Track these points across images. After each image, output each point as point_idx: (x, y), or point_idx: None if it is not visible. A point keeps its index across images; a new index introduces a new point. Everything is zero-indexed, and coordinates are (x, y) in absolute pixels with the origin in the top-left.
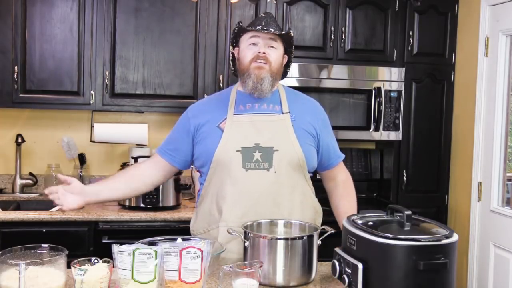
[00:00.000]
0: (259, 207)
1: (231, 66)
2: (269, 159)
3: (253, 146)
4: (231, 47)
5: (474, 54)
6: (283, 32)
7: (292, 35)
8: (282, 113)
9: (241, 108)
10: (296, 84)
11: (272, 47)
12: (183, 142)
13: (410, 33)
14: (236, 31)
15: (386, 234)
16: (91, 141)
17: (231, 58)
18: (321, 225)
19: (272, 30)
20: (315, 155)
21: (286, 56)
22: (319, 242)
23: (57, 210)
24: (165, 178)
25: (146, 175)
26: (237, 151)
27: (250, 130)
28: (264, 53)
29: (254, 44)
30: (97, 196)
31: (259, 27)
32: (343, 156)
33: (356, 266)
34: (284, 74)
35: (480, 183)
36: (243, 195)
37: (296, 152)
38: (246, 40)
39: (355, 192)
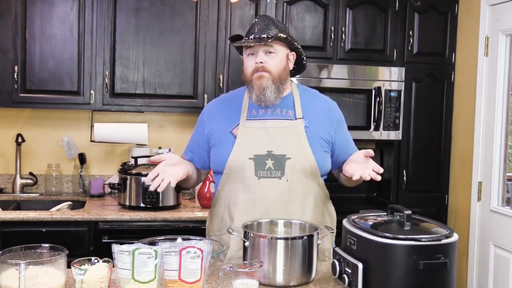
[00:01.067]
0: (270, 215)
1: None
2: (282, 167)
3: (265, 154)
4: (241, 56)
5: (474, 54)
6: (270, 40)
7: (284, 36)
8: (296, 119)
9: (254, 113)
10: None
11: (271, 52)
12: (201, 144)
13: (410, 33)
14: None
15: (386, 234)
16: (91, 140)
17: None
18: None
19: (265, 35)
20: (328, 159)
21: (293, 53)
22: (320, 242)
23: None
24: (199, 176)
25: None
26: (249, 158)
27: (263, 137)
28: (261, 62)
29: (252, 54)
30: (191, 166)
31: (252, 36)
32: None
33: (356, 266)
34: (301, 69)
35: (480, 183)
36: (255, 203)
37: (308, 160)
38: (244, 51)
39: (356, 191)
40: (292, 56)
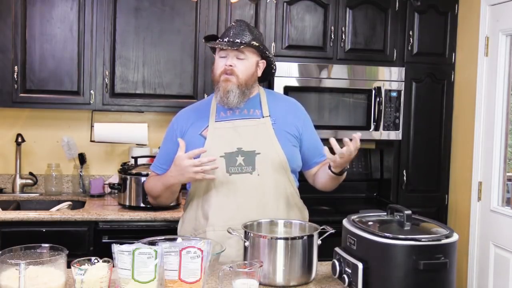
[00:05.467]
0: (245, 210)
1: None
2: (252, 162)
3: (235, 151)
4: (214, 55)
5: (474, 54)
6: (242, 46)
7: (257, 44)
8: (263, 117)
9: (222, 115)
10: (296, 84)
11: (240, 58)
12: (174, 153)
13: (410, 33)
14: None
15: (386, 234)
16: (91, 140)
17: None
18: (320, 226)
19: (239, 40)
20: (297, 154)
21: (264, 61)
22: (319, 242)
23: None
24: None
25: None
26: (220, 156)
27: (232, 135)
28: (230, 65)
29: (224, 56)
30: None
31: (226, 39)
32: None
33: (356, 266)
34: (270, 75)
35: (480, 183)
36: (228, 199)
37: (277, 154)
38: (218, 52)
39: (356, 191)
40: (262, 64)
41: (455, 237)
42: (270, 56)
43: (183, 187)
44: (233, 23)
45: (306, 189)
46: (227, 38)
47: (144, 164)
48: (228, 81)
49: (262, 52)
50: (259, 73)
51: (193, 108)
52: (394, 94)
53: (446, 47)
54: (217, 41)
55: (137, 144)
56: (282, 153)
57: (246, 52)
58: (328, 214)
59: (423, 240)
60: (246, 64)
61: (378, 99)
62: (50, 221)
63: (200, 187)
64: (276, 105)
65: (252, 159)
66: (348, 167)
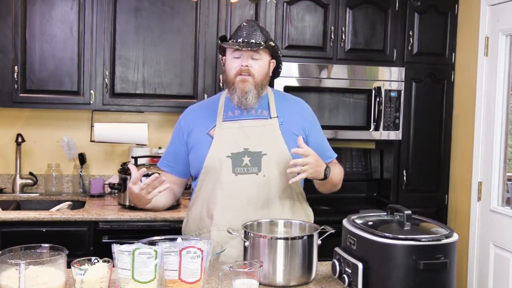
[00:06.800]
0: (249, 211)
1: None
2: (258, 163)
3: (242, 151)
4: (220, 55)
5: (474, 54)
6: (261, 46)
7: (273, 44)
8: (270, 118)
9: (230, 114)
10: (296, 84)
11: (255, 58)
12: (180, 152)
13: (410, 33)
14: (218, 45)
15: (386, 234)
16: (91, 140)
17: (223, 65)
18: (320, 226)
19: (254, 41)
20: None
21: (274, 60)
22: (319, 242)
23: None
24: (179, 188)
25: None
26: (227, 156)
27: (239, 135)
28: (246, 66)
29: (237, 57)
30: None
31: (240, 40)
32: (335, 155)
33: (356, 266)
34: (276, 75)
35: (480, 183)
36: (233, 199)
37: (284, 156)
38: (230, 53)
39: (356, 191)
40: (272, 63)
41: (455, 237)
42: (281, 56)
43: (186, 187)
44: (244, 23)
45: (306, 189)
46: (241, 39)
47: (144, 164)
48: (245, 81)
49: (275, 52)
50: (270, 73)
51: (200, 105)
52: (394, 94)
53: (446, 47)
54: (231, 41)
55: (137, 144)
56: (288, 154)
57: (260, 52)
58: (328, 214)
59: (423, 240)
60: (261, 64)
61: (378, 99)
62: (50, 221)
63: (206, 186)
64: (283, 106)
65: (258, 160)
66: (329, 170)
